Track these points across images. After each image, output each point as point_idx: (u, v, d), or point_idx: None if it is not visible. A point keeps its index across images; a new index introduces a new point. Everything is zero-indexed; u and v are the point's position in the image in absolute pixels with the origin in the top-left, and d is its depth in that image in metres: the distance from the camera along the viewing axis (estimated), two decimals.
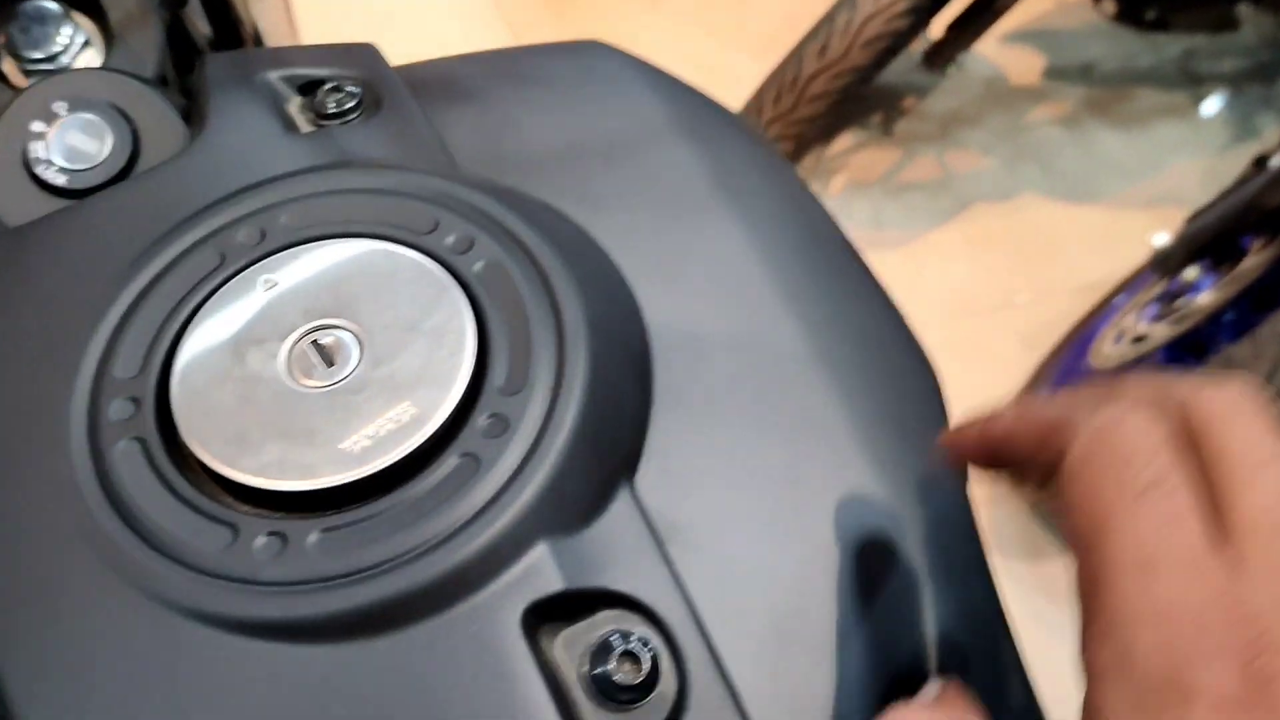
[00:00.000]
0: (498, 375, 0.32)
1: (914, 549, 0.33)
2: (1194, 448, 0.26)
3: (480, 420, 0.31)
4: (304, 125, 0.40)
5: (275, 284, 0.33)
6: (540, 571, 0.29)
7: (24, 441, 0.31)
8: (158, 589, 0.29)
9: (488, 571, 0.29)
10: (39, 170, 0.40)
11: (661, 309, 0.35)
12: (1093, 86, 1.87)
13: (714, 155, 0.40)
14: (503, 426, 0.31)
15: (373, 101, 0.39)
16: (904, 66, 1.66)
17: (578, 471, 0.30)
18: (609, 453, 0.32)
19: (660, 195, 0.38)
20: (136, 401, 0.32)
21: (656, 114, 0.41)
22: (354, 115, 0.39)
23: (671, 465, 0.32)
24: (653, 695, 0.29)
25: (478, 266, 0.33)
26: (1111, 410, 0.27)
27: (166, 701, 0.28)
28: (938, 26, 1.59)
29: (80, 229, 0.36)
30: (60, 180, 0.40)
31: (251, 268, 0.34)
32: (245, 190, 0.35)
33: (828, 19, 1.44)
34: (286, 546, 0.29)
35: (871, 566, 0.32)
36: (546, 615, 0.29)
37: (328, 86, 0.39)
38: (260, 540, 0.29)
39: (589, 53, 0.44)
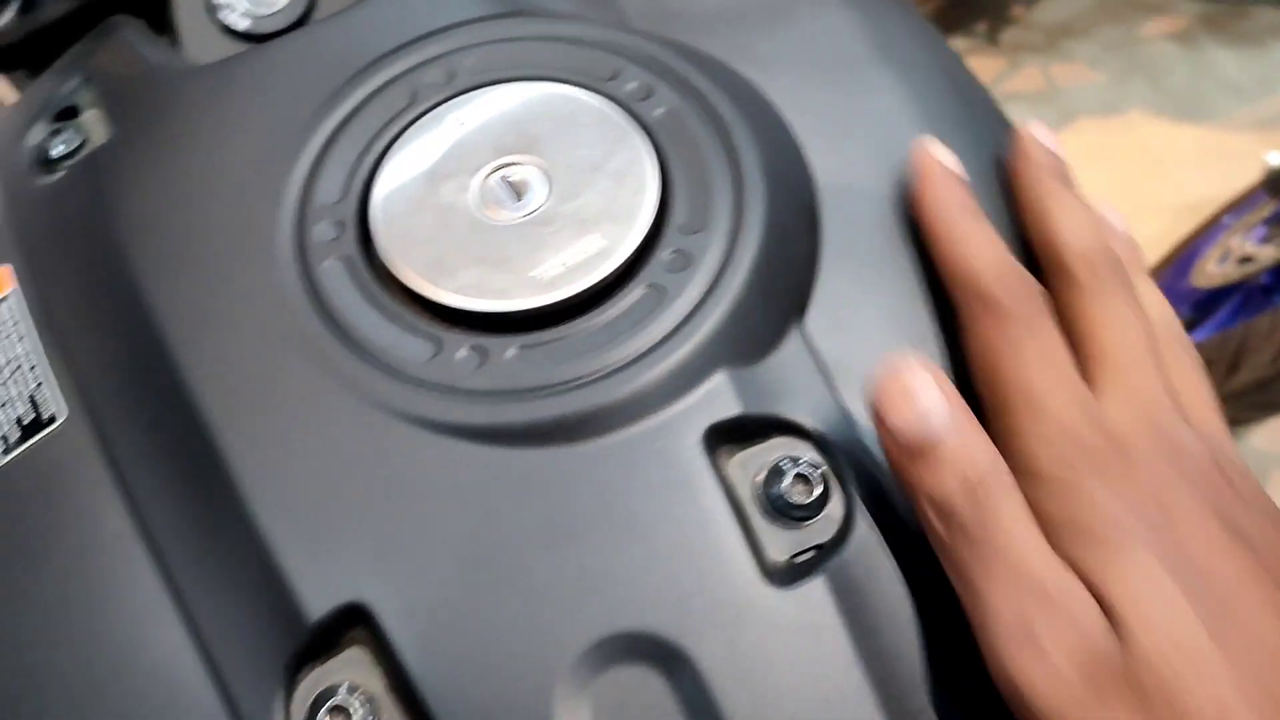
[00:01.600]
0: (679, 215, 0.33)
1: None
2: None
3: (664, 255, 0.32)
4: None
5: (464, 122, 0.35)
6: (720, 396, 0.31)
7: (236, 260, 0.34)
8: (372, 394, 0.31)
9: (672, 393, 0.31)
10: (221, 15, 0.42)
11: (827, 166, 0.36)
12: (1208, 2, 1.81)
13: (874, 23, 0.40)
14: (685, 261, 0.32)
15: None
16: None
17: (755, 307, 0.32)
18: (783, 292, 0.33)
19: (824, 59, 0.39)
20: (340, 225, 0.34)
21: None
22: None
23: (837, 311, 0.34)
24: (821, 515, 0.31)
25: (658, 112, 0.35)
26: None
27: (383, 491, 0.30)
28: None
29: (276, 66, 0.38)
30: (243, 25, 0.42)
31: (441, 106, 0.35)
32: (431, 35, 0.37)
33: None
34: (486, 360, 0.31)
35: None
36: (723, 438, 0.31)
37: None
38: (462, 353, 0.31)
39: None
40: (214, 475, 0.31)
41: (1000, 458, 0.28)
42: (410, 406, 0.31)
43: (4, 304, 0.36)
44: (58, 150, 0.38)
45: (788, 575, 0.30)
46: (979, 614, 0.27)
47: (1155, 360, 0.31)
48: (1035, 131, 0.36)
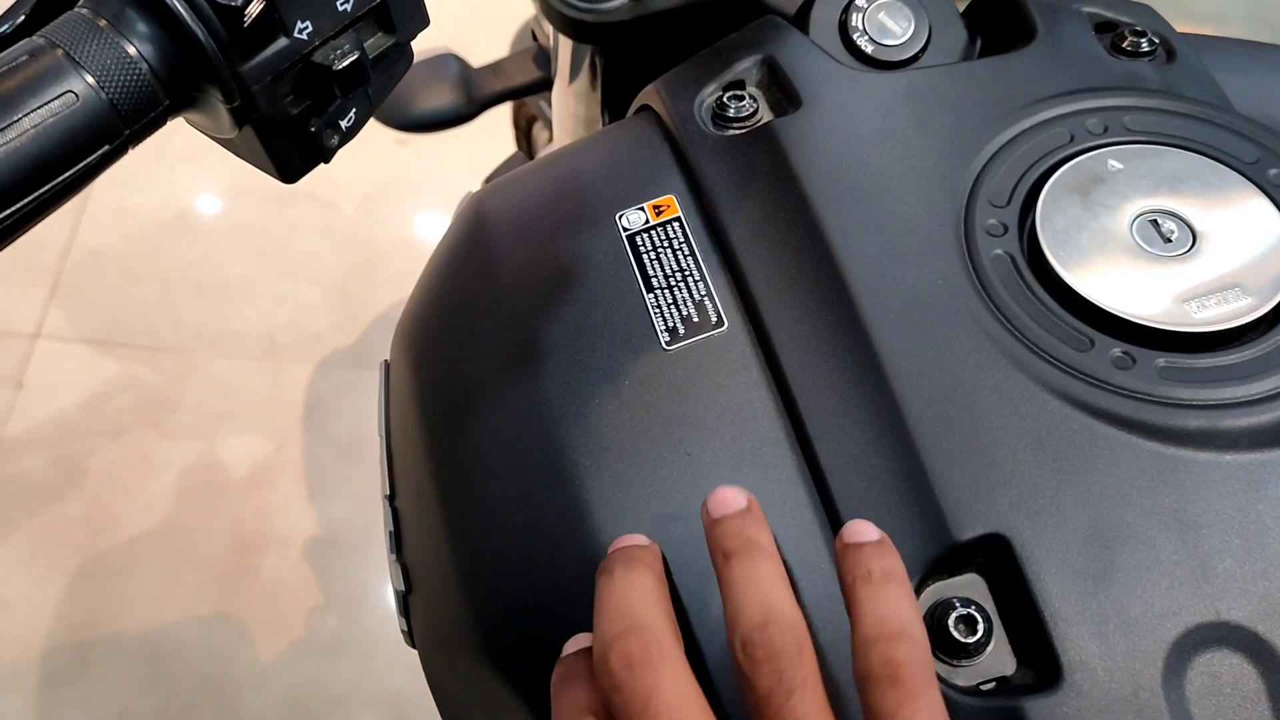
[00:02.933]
0: None
1: None
2: None
3: None
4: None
5: (1121, 168, 0.40)
6: None
7: (911, 227, 0.40)
8: (1031, 371, 0.36)
9: None
10: (853, 35, 0.49)
11: None
12: None
13: None
14: None
15: (1166, 51, 0.46)
16: None
17: None
18: None
19: None
20: (1004, 225, 0.39)
21: None
22: (1151, 57, 0.46)
23: None
24: None
25: None
26: None
27: (1033, 451, 0.35)
28: None
29: (952, 86, 0.44)
30: (867, 49, 0.49)
31: (1101, 149, 0.41)
32: (1091, 90, 0.43)
33: None
34: (1135, 365, 0.36)
35: None
36: None
37: (1135, 29, 0.46)
38: (1115, 353, 0.36)
39: None
40: (877, 401, 0.36)
41: None
42: (1066, 388, 0.36)
43: (672, 224, 0.43)
44: (733, 111, 0.45)
45: None
46: None
47: None
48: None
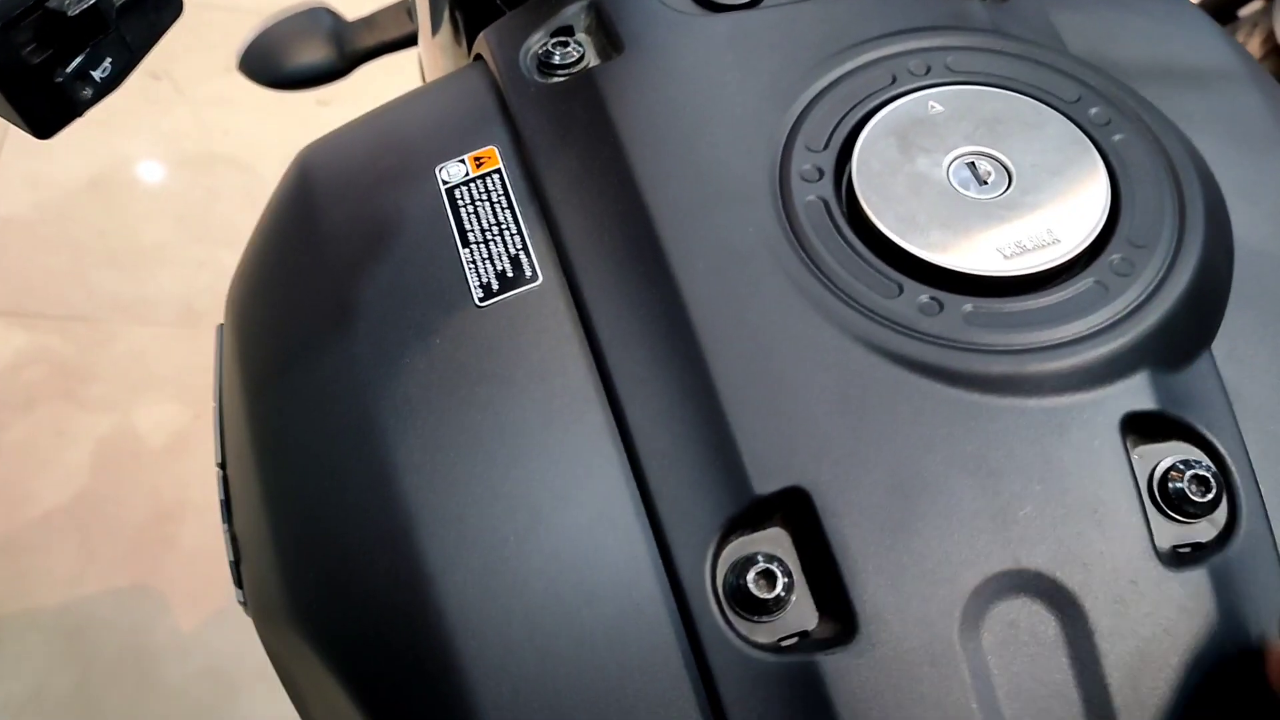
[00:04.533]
0: (1126, 228, 0.37)
1: None
2: None
3: (1112, 258, 0.36)
4: None
5: (941, 109, 0.39)
6: (1143, 390, 0.35)
7: (726, 176, 0.39)
8: (838, 318, 0.35)
9: (1105, 376, 0.35)
10: None
11: (1240, 220, 0.40)
12: None
13: (1278, 105, 0.44)
14: (1129, 268, 0.36)
15: None
16: None
17: (1182, 322, 0.36)
18: (1203, 316, 0.37)
19: (1236, 127, 0.43)
20: (819, 170, 0.38)
21: (1229, 58, 0.46)
22: None
23: (1237, 346, 0.37)
24: (1208, 517, 0.34)
25: (1115, 138, 0.39)
26: None
27: (836, 400, 0.34)
28: None
29: (776, 27, 0.43)
30: None
31: (922, 91, 0.40)
32: (916, 30, 0.42)
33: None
34: (942, 310, 0.35)
35: None
36: (1132, 428, 0.35)
37: None
38: (923, 299, 0.36)
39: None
40: (684, 355, 0.35)
41: None
42: (871, 335, 0.35)
43: (492, 176, 0.41)
44: (558, 59, 0.43)
45: (1174, 561, 0.34)
46: None
47: None
48: None
